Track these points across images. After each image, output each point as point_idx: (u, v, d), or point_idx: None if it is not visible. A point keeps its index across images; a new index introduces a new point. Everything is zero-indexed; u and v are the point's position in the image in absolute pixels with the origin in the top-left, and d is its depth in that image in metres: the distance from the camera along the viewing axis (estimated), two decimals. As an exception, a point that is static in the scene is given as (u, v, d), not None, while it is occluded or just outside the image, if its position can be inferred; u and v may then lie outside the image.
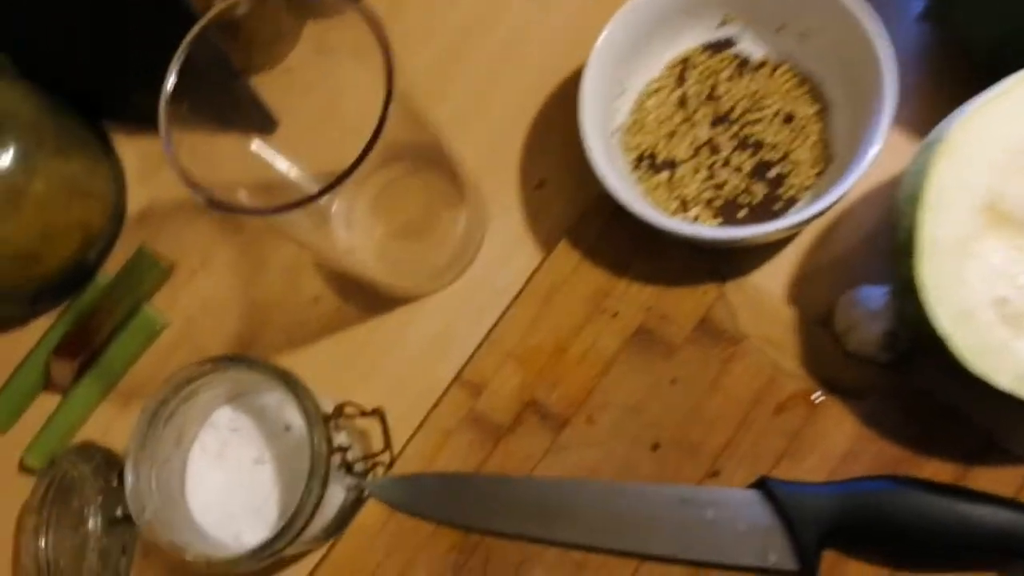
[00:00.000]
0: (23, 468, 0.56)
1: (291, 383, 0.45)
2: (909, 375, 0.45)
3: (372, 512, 0.49)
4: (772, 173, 0.48)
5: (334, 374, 0.53)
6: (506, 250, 0.53)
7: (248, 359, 0.46)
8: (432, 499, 0.48)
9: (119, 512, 0.47)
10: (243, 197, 0.43)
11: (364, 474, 0.48)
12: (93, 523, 0.48)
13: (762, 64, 0.50)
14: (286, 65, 0.48)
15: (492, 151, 0.54)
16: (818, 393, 0.46)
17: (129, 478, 0.45)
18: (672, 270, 0.49)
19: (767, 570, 0.44)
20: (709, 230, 0.46)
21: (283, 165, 0.49)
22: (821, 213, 0.44)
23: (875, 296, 0.45)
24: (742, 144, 0.49)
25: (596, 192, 0.50)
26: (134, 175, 0.60)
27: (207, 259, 0.57)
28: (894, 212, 0.42)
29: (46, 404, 0.57)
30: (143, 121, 0.59)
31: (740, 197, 0.48)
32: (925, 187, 0.40)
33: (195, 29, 0.42)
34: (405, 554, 0.48)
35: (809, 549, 0.43)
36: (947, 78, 0.49)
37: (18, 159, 0.51)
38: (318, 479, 0.44)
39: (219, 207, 0.39)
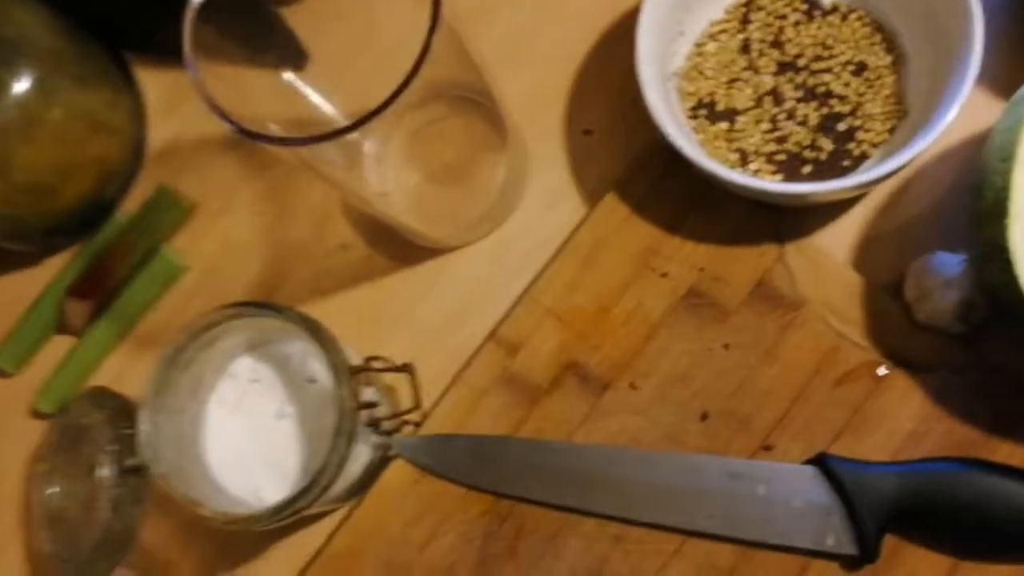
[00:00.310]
0: (34, 412, 0.54)
1: (318, 333, 0.42)
2: (984, 350, 0.42)
3: (399, 472, 0.47)
4: (841, 127, 0.45)
5: (361, 326, 0.50)
6: (548, 201, 0.50)
7: (273, 305, 0.43)
8: (463, 462, 0.46)
9: (133, 462, 0.45)
10: (273, 132, 0.40)
11: (392, 432, 0.46)
12: (106, 472, 0.46)
13: (833, 9, 0.46)
14: (319, -7, 0.45)
15: (537, 95, 0.51)
16: (883, 366, 0.43)
17: (143, 427, 0.43)
18: (728, 229, 0.45)
19: (822, 553, 0.41)
20: (772, 185, 0.42)
21: (316, 100, 0.46)
22: (893, 173, 0.40)
23: (951, 263, 0.42)
24: (809, 95, 0.46)
25: (648, 142, 0.47)
26: (156, 110, 0.56)
27: (230, 201, 0.54)
28: (981, 171, 0.39)
29: (59, 347, 0.55)
30: (167, 54, 0.56)
31: (805, 152, 0.45)
32: (1018, 145, 0.36)
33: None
34: (433, 518, 0.46)
35: (870, 533, 0.40)
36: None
37: (35, 85, 0.48)
38: (344, 436, 0.41)
39: (248, 135, 0.36)
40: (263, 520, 0.41)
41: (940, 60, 0.43)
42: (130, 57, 0.57)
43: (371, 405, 0.43)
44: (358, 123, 0.35)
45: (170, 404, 0.44)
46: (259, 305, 0.43)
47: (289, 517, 0.42)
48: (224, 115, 0.36)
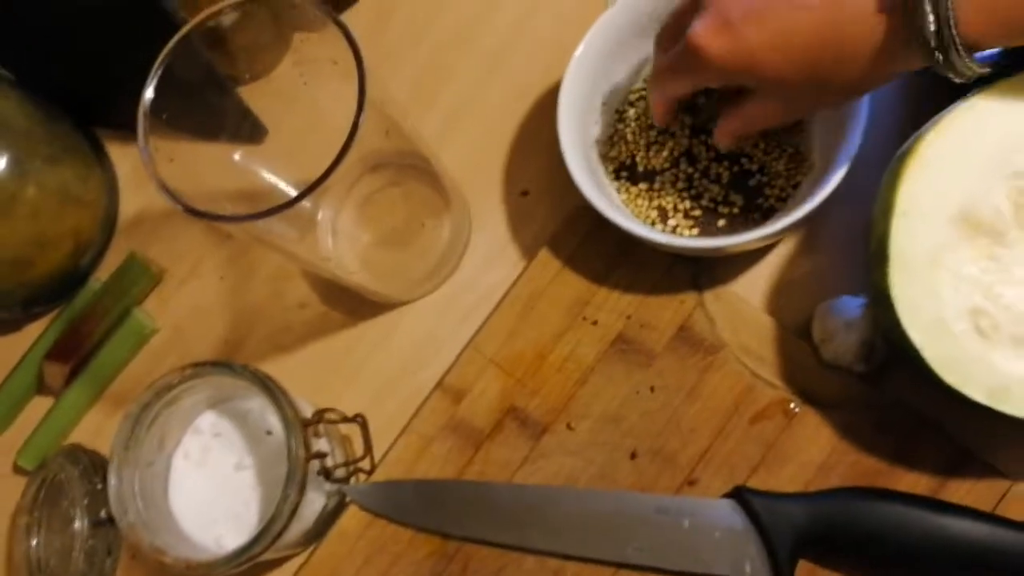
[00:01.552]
0: (17, 469, 0.57)
1: (270, 388, 0.46)
2: (886, 387, 0.45)
3: (353, 518, 0.49)
4: (751, 183, 0.48)
5: (319, 379, 0.53)
6: (489, 257, 0.53)
7: (228, 365, 0.46)
8: (411, 505, 0.49)
9: (103, 514, 0.48)
10: (227, 207, 0.44)
11: (344, 480, 0.49)
12: (79, 524, 0.49)
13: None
14: (272, 76, 0.49)
15: (476, 160, 0.55)
16: (794, 403, 0.46)
17: (112, 480, 0.46)
18: (652, 279, 0.49)
19: (742, 580, 0.44)
20: (687, 240, 0.46)
21: (268, 176, 0.49)
22: (797, 223, 0.44)
23: (852, 306, 0.45)
24: (720, 155, 0.49)
25: (578, 202, 0.50)
26: (127, 182, 0.61)
27: (197, 266, 0.58)
28: (869, 222, 0.42)
29: (39, 407, 0.58)
30: (135, 128, 0.60)
31: (719, 207, 0.48)
32: (896, 197, 0.40)
33: (176, 37, 0.42)
34: (385, 560, 0.48)
35: (783, 558, 0.43)
36: (927, 91, 0.49)
37: (10, 166, 0.52)
38: (295, 484, 0.44)
39: (198, 215, 0.39)
40: (221, 566, 0.44)
41: (836, 121, 0.46)
42: (101, 133, 0.61)
43: (322, 455, 0.46)
44: (299, 196, 0.39)
45: (137, 458, 0.47)
46: (216, 365, 0.47)
47: (247, 562, 0.45)
48: (174, 196, 0.40)
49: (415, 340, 0.53)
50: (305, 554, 0.51)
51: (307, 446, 0.45)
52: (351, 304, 0.55)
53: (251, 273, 0.57)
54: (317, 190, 0.39)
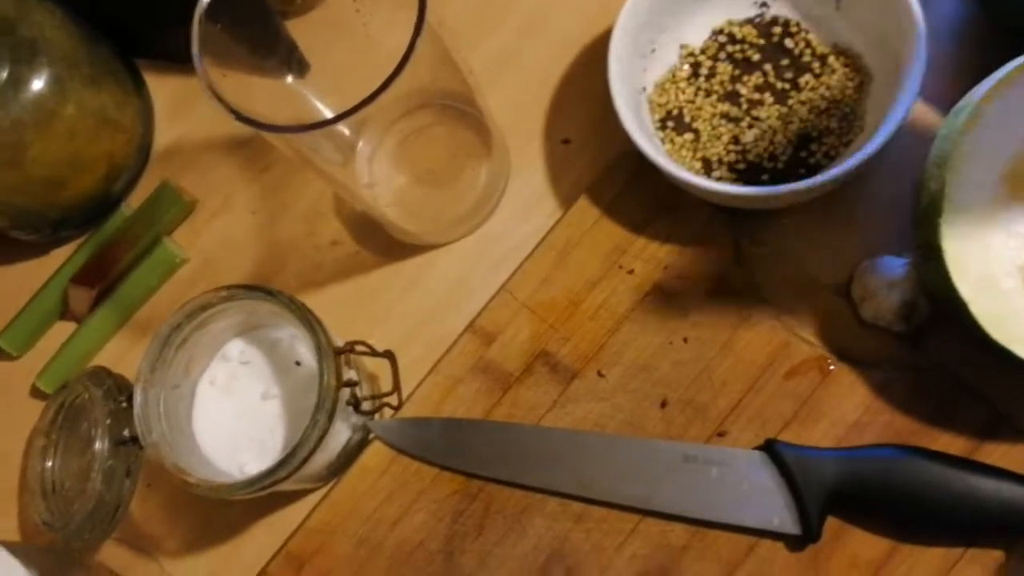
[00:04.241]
0: (35, 393, 0.57)
1: (304, 313, 0.45)
2: (924, 348, 0.45)
3: (376, 454, 0.49)
4: (800, 140, 0.48)
5: (348, 318, 0.53)
6: (527, 204, 0.53)
7: (265, 288, 0.46)
8: (437, 443, 0.48)
9: (127, 433, 0.47)
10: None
11: (371, 414, 0.48)
12: (100, 445, 0.48)
13: (797, 31, 0.50)
14: (325, 5, 0.49)
15: (520, 106, 0.54)
16: (831, 361, 0.46)
17: (138, 399, 0.46)
18: (691, 231, 0.49)
19: (769, 533, 0.44)
20: (731, 187, 0.45)
21: (315, 105, 0.49)
22: (843, 178, 0.43)
23: (895, 266, 0.45)
24: (771, 109, 0.49)
25: (620, 151, 0.50)
26: (163, 113, 0.60)
27: (229, 200, 0.58)
28: (922, 176, 0.42)
29: (61, 331, 0.58)
30: (174, 61, 0.60)
31: (764, 162, 0.48)
32: (953, 151, 0.40)
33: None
34: (406, 497, 0.48)
35: (813, 514, 0.42)
36: (982, 50, 0.48)
37: (51, 83, 0.52)
38: (325, 411, 0.44)
39: (243, 120, 0.39)
40: (243, 489, 0.44)
41: (893, 80, 0.46)
42: (140, 63, 0.61)
43: (353, 384, 0.46)
44: (344, 114, 0.39)
45: (164, 380, 0.47)
46: (251, 288, 0.46)
47: (268, 488, 0.44)
48: (222, 100, 0.39)
49: (447, 283, 0.53)
50: (324, 490, 0.50)
51: (339, 373, 0.45)
52: (384, 245, 0.54)
53: (284, 210, 0.57)
54: (362, 111, 0.39)
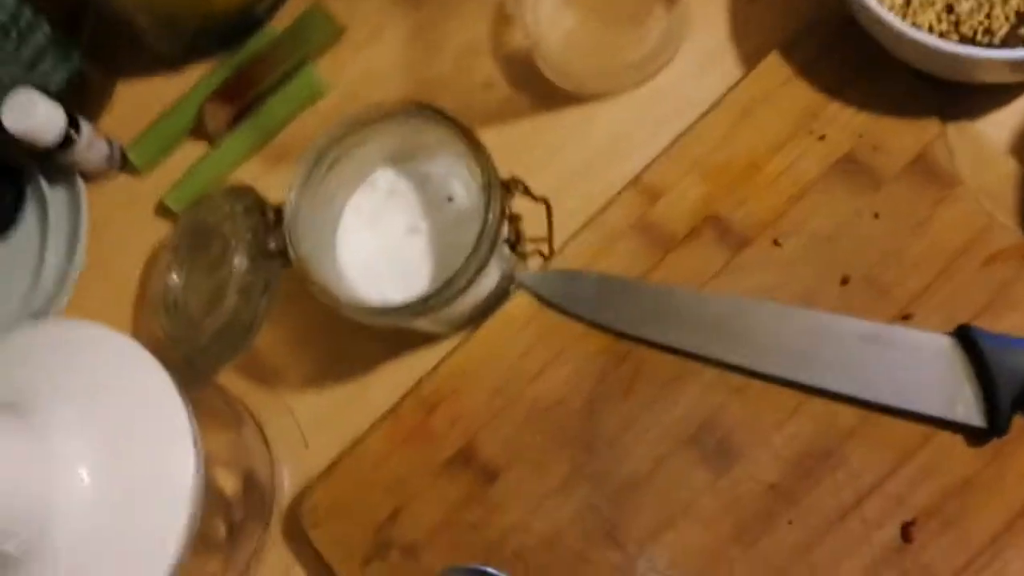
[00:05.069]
0: (160, 211, 0.55)
1: (473, 138, 0.42)
2: None
3: (520, 305, 0.47)
4: (1019, 17, 0.44)
5: (499, 164, 0.50)
6: (704, 61, 0.49)
7: (435, 107, 0.43)
8: (588, 299, 0.46)
9: (272, 245, 0.45)
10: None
11: (525, 257, 0.46)
12: (239, 260, 0.46)
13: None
14: None
15: (706, -45, 0.50)
16: (1035, 251, 0.42)
17: (289, 209, 0.43)
18: (892, 100, 0.45)
19: (949, 424, 0.41)
20: (943, 43, 0.41)
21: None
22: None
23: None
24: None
25: (816, 10, 0.46)
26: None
27: (379, 30, 0.55)
28: None
29: (191, 151, 0.56)
30: None
31: (979, 36, 0.44)
32: None
33: None
34: (549, 350, 0.46)
35: (1003, 407, 0.39)
36: None
37: None
38: (488, 240, 0.41)
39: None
40: (392, 313, 0.42)
41: None
42: None
43: (517, 218, 0.43)
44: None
45: (313, 197, 0.44)
46: (420, 105, 0.43)
47: (418, 315, 0.42)
48: None
49: (609, 136, 0.50)
50: (460, 336, 0.48)
51: (504, 206, 0.42)
52: (541, 91, 0.51)
53: (436, 47, 0.53)
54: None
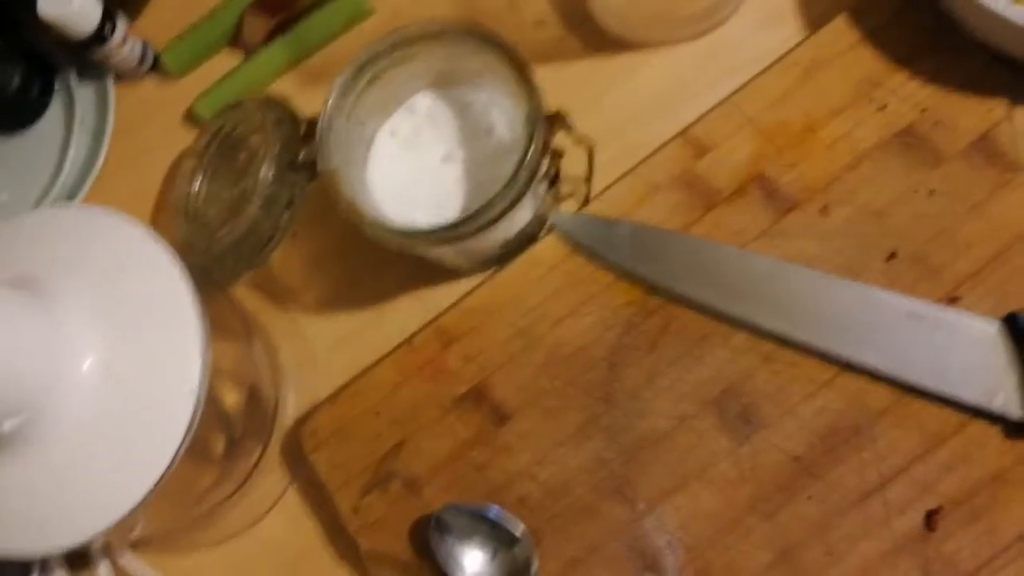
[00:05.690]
0: (188, 118, 0.53)
1: (522, 66, 0.40)
2: None
3: (550, 247, 0.45)
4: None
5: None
6: (766, 19, 0.47)
7: (485, 30, 0.41)
8: (623, 247, 0.44)
9: (301, 156, 0.43)
10: None
11: (563, 198, 0.44)
12: (265, 169, 0.44)
13: None
14: None
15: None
16: (1097, 246, 0.40)
17: (323, 122, 0.41)
18: (961, 76, 0.43)
19: (985, 413, 0.39)
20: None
21: None
22: None
23: None
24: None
25: (892, -24, 0.44)
26: None
27: (432, -45, 0.53)
28: None
29: (227, 61, 0.54)
30: None
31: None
32: None
33: None
34: (575, 298, 0.44)
35: (1047, 400, 0.38)
36: None
37: None
38: (527, 172, 0.39)
39: None
40: (420, 236, 0.40)
41: None
42: None
43: (559, 154, 0.41)
44: None
45: (350, 112, 0.43)
46: (470, 28, 0.41)
47: (446, 241, 0.40)
48: None
49: (661, 85, 0.48)
50: (485, 274, 0.46)
51: (547, 139, 0.40)
52: (593, 34, 0.49)
53: (491, -23, 0.52)
54: None
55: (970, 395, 0.39)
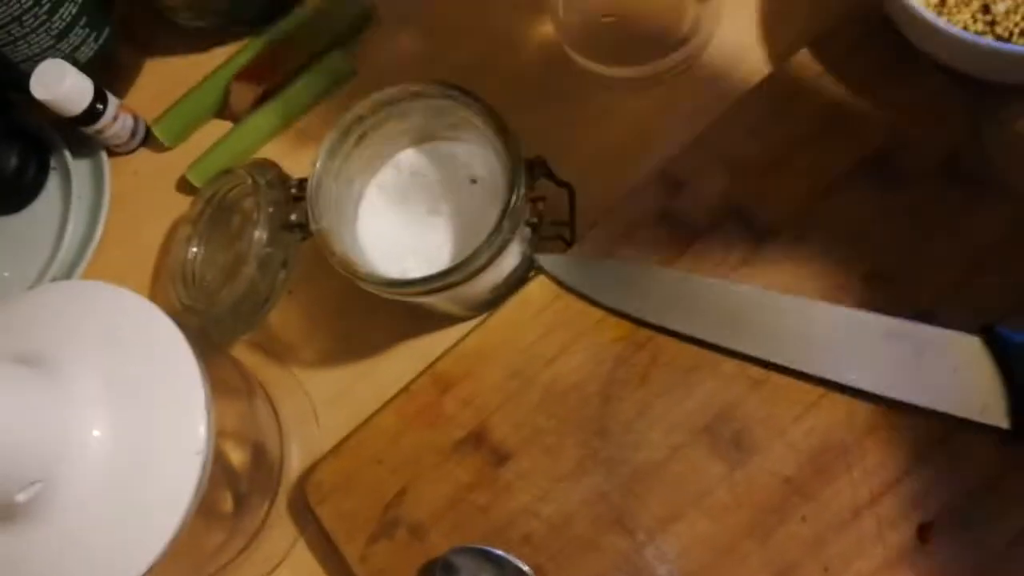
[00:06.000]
0: (182, 186, 0.55)
1: (497, 118, 0.42)
2: None
3: (539, 288, 0.46)
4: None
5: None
6: (734, 54, 0.49)
7: (460, 87, 0.43)
8: (608, 285, 0.45)
9: (293, 218, 0.45)
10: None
11: (547, 240, 0.45)
12: (259, 232, 0.46)
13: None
14: None
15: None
16: (1066, 255, 0.41)
17: (313, 181, 0.43)
18: (924, 99, 0.44)
19: (971, 424, 0.40)
20: (981, 40, 0.41)
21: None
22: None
23: None
24: (1027, -16, 0.44)
25: (849, 10, 0.46)
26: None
27: (410, 16, 0.55)
28: None
29: (216, 129, 0.56)
30: None
31: (1014, 38, 0.44)
32: None
33: None
34: (566, 336, 0.45)
35: (1028, 409, 0.39)
36: None
37: None
38: (512, 218, 0.41)
39: None
40: (412, 286, 0.41)
41: None
42: None
43: (541, 199, 0.43)
44: None
45: (338, 173, 0.44)
46: (446, 86, 0.43)
47: (437, 291, 0.41)
48: None
49: (635, 126, 0.50)
50: (476, 320, 0.48)
51: (529, 186, 0.42)
52: (569, 78, 0.51)
53: (468, 32, 0.54)
54: None
55: (954, 408, 0.40)
